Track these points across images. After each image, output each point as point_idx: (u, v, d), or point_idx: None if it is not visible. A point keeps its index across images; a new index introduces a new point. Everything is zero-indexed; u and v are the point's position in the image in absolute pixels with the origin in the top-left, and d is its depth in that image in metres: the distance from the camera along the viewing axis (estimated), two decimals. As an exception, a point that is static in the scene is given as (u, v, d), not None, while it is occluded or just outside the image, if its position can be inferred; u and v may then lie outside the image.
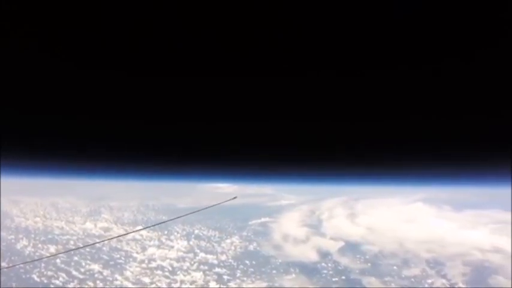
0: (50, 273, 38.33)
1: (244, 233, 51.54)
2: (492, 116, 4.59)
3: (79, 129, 5.68)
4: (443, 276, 41.62)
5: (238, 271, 44.19)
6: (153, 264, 44.07)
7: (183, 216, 47.87)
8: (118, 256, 43.98)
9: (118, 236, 50.25)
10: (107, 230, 50.12)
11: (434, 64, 3.97)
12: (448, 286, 40.51)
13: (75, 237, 46.84)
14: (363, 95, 4.62)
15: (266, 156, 6.79)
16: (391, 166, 7.01)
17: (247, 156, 6.89)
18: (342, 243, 48.60)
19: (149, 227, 53.21)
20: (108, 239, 49.20)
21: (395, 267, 43.82)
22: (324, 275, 43.55)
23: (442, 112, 4.67)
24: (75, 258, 41.54)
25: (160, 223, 53.89)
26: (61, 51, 4.16)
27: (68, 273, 39.25)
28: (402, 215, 53.27)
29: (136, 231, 50.89)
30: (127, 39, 4.02)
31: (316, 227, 52.86)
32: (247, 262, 45.49)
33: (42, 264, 38.89)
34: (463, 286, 39.97)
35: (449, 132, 5.15)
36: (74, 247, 44.23)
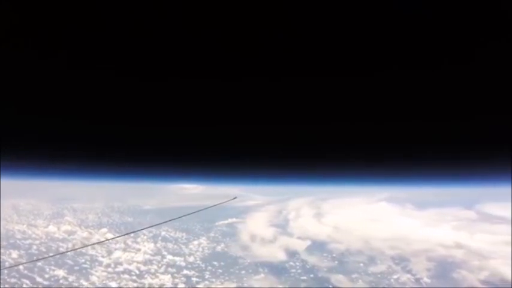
0: (13, 280, 37.18)
1: (212, 234, 51.33)
2: (489, 116, 4.64)
3: (46, 128, 5.56)
4: (409, 272, 42.88)
5: (207, 273, 43.96)
6: (120, 268, 43.28)
7: (184, 216, 47.33)
8: (83, 261, 43.01)
9: (115, 237, 49.33)
10: (70, 233, 48.97)
11: (420, 62, 3.98)
12: (413, 281, 41.48)
13: (37, 242, 45.58)
14: (332, 96, 4.62)
15: (233, 156, 6.77)
16: (382, 168, 7.06)
17: (213, 156, 6.85)
18: (309, 242, 49.09)
19: (144, 228, 52.61)
20: (107, 240, 48.37)
21: (361, 265, 44.68)
22: (292, 274, 43.90)
23: (429, 113, 4.70)
24: (39, 264, 40.49)
25: (156, 225, 53.00)
26: (53, 52, 4.06)
27: (32, 280, 38.11)
28: (367, 213, 54.15)
29: (132, 233, 50.34)
30: (125, 40, 3.94)
31: (283, 227, 53.20)
32: (215, 263, 45.31)
33: (5, 271, 37.72)
34: (428, 280, 41.00)
35: (438, 133, 5.19)
36: (36, 252, 43.18)
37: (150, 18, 3.67)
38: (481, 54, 3.77)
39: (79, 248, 44.94)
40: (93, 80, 4.40)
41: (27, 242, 45.12)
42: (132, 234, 49.38)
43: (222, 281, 42.62)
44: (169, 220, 52.94)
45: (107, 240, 48.65)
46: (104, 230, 50.27)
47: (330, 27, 3.72)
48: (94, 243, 48.62)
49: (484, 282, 38.89)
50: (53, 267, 40.49)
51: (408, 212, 52.95)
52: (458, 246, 44.17)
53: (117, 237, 48.24)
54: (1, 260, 40.56)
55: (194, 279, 43.12)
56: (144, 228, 52.84)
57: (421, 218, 50.93)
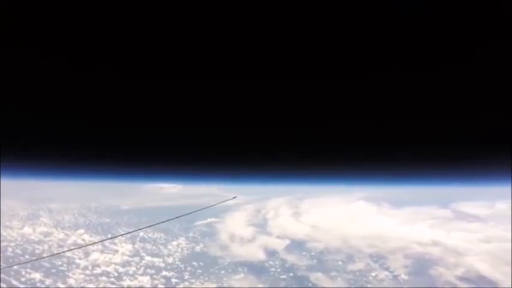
0: (-12, 284, 36.53)
1: (191, 234, 51.10)
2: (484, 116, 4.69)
3: (46, 128, 5.51)
4: (386, 269, 43.84)
5: (186, 273, 43.91)
6: (98, 270, 42.81)
7: (182, 216, 46.92)
8: (60, 263, 42.39)
9: (111, 238, 48.66)
10: (47, 234, 48.13)
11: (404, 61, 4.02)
12: (391, 278, 42.22)
13: (13, 244, 44.78)
14: (332, 96, 4.64)
15: (233, 157, 6.75)
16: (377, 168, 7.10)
17: (214, 157, 6.82)
18: (288, 242, 49.37)
19: (143, 228, 52.08)
20: (102, 240, 47.66)
21: (340, 263, 45.35)
22: (272, 273, 44.28)
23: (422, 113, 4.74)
24: (15, 267, 39.78)
25: (157, 223, 52.44)
26: (52, 52, 4.02)
27: (8, 284, 37.50)
28: (345, 212, 54.59)
29: (130, 232, 49.81)
30: (125, 40, 3.91)
31: (262, 226, 53.36)
32: (194, 264, 45.27)
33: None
34: (406, 277, 41.82)
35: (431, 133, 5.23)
36: (12, 254, 42.34)
37: (150, 18, 3.65)
38: (481, 54, 3.81)
39: (77, 248, 44.43)
40: (93, 80, 4.36)
41: (3, 244, 44.20)
42: (109, 235, 48.99)
43: (202, 281, 42.69)
44: (167, 220, 52.62)
45: (102, 240, 48.12)
46: (81, 231, 49.55)
47: (330, 27, 3.73)
48: (89, 244, 48.14)
49: (460, 278, 39.87)
50: (29, 271, 39.79)
51: (385, 211, 53.61)
52: (435, 243, 45.12)
53: (114, 237, 47.78)
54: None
55: (174, 280, 43.04)
56: (143, 228, 52.37)
57: (398, 216, 51.67)
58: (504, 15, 3.34)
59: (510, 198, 44.79)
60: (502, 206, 47.89)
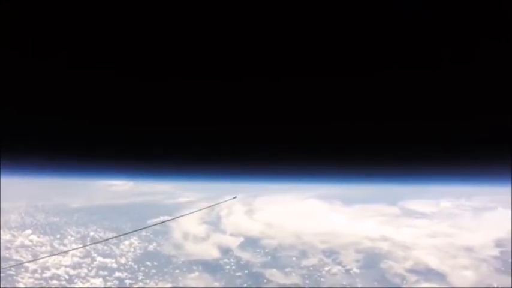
0: None
1: (143, 233, 50.09)
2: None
3: (46, 128, 5.40)
4: (339, 264, 44.91)
5: (140, 274, 43.17)
6: (48, 274, 41.50)
7: (183, 216, 45.77)
8: (7, 266, 40.99)
9: (121, 235, 47.09)
10: (-8, 236, 46.09)
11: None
12: (344, 272, 43.29)
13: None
14: (332, 96, 4.68)
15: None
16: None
17: (214, 156, 6.77)
18: (242, 239, 49.45)
19: (151, 226, 50.60)
20: (108, 239, 45.95)
21: (294, 259, 45.97)
22: (227, 271, 44.36)
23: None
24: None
25: (160, 222, 50.85)
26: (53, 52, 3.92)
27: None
28: (298, 210, 55.14)
29: (139, 230, 48.23)
30: (125, 40, 3.83)
31: (215, 224, 52.98)
32: (148, 263, 44.56)
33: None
34: (357, 271, 43.04)
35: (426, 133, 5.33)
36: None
37: (150, 18, 3.59)
38: (481, 54, 3.88)
39: (79, 248, 43.06)
40: (93, 80, 4.27)
41: None
42: (58, 236, 47.63)
43: (157, 281, 42.11)
44: (174, 218, 51.39)
45: (105, 240, 46.71)
46: (28, 231, 47.77)
47: (330, 27, 3.75)
48: (93, 243, 46.66)
49: (409, 270, 41.62)
50: (-25, 277, 38.22)
51: (336, 208, 54.53)
52: (384, 239, 46.71)
53: (125, 234, 46.47)
54: None
55: (127, 281, 42.21)
56: (151, 226, 50.98)
57: (349, 213, 52.84)
58: (504, 15, 3.41)
59: (454, 197, 47.74)
60: (446, 203, 50.56)
